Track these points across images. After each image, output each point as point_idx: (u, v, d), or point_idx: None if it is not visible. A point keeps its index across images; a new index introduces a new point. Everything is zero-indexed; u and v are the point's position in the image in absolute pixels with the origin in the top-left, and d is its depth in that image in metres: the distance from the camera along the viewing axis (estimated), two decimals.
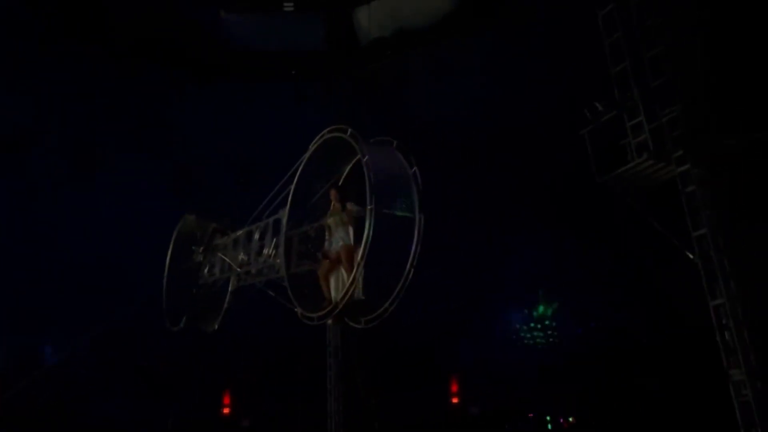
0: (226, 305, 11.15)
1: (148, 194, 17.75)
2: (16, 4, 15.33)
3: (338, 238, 8.69)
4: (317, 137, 9.30)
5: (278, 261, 9.46)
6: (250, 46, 17.15)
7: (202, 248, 11.64)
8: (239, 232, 10.84)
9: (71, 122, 17.12)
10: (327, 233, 8.93)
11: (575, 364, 19.01)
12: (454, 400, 21.51)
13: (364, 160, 8.09)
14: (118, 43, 16.60)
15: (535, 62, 15.68)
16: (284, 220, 9.41)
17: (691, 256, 7.17)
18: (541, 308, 21.79)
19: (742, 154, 7.05)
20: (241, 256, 10.56)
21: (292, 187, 9.41)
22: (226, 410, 21.06)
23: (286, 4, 15.32)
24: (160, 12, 16.42)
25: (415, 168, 8.42)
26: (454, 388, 21.38)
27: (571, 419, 22.02)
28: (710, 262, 6.91)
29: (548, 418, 22.29)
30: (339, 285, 8.60)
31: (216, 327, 11.36)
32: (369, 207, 7.78)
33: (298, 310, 9.03)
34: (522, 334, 22.38)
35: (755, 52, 7.18)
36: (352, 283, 7.95)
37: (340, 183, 9.45)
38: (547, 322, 21.97)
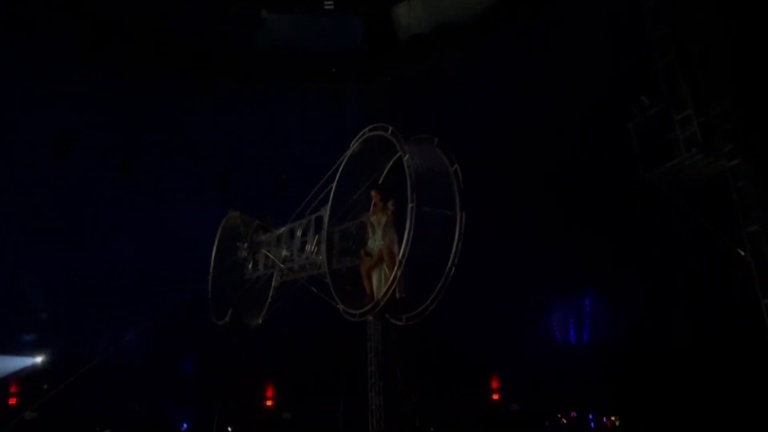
0: (269, 300, 11.36)
1: (190, 197, 18.15)
2: (53, 12, 15.80)
3: (380, 235, 8.76)
4: (358, 135, 9.39)
5: (320, 257, 9.60)
6: (289, 46, 17.30)
7: (246, 244, 11.86)
8: (282, 229, 11.01)
9: (113, 127, 17.58)
10: (369, 230, 9.01)
11: (618, 362, 18.66)
12: (495, 397, 21.41)
13: (405, 158, 8.13)
14: (157, 46, 16.94)
15: (577, 56, 15.39)
16: (326, 218, 9.53)
17: (742, 254, 6.98)
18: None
19: None
20: (284, 253, 10.74)
21: (334, 184, 9.51)
22: (268, 402, 21.46)
23: (326, 2, 15.39)
24: (201, 14, 16.71)
25: (456, 166, 8.41)
26: (495, 384, 21.29)
27: (614, 419, 21.65)
28: (762, 258, 6.72)
29: (591, 417, 21.97)
30: (381, 282, 8.67)
31: (260, 321, 11.59)
32: (410, 205, 7.82)
33: (340, 306, 9.14)
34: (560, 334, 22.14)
35: None
36: (393, 281, 8.00)
37: (380, 181, 9.51)
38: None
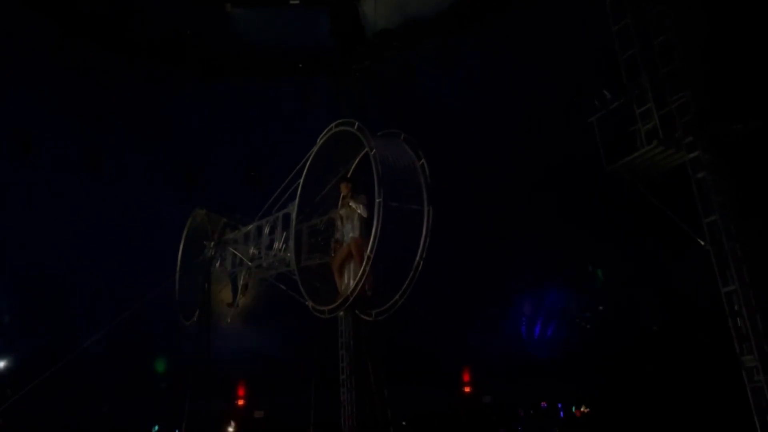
0: (237, 299, 11.25)
1: (157, 192, 17.85)
2: (17, 4, 15.35)
3: (349, 229, 8.72)
4: (325, 131, 9.34)
5: (288, 255, 9.53)
6: (256, 41, 17.13)
7: (213, 243, 11.70)
8: (250, 227, 10.91)
9: (78, 121, 17.18)
10: (339, 223, 8.96)
11: (586, 353, 19.00)
12: (467, 390, 21.60)
13: (372, 153, 8.10)
14: (123, 41, 16.59)
15: (544, 51, 15.56)
16: (293, 214, 9.47)
17: (702, 243, 7.14)
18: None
19: (752, 140, 6.99)
20: (252, 250, 10.64)
21: (301, 180, 9.45)
22: (240, 402, 21.29)
23: None
24: (166, 8, 16.42)
25: (423, 160, 8.42)
26: (467, 377, 21.48)
27: (583, 408, 22.04)
28: (722, 248, 6.88)
29: (560, 406, 22.33)
30: (352, 277, 8.64)
31: (229, 320, 11.47)
32: (377, 200, 7.80)
33: (309, 303, 9.09)
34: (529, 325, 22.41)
35: (764, 37, 7.10)
36: (361, 276, 7.98)
37: (348, 176, 9.47)
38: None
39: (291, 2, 15.33)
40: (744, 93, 7.13)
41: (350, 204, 8.67)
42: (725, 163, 7.10)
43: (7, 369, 18.89)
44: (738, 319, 6.69)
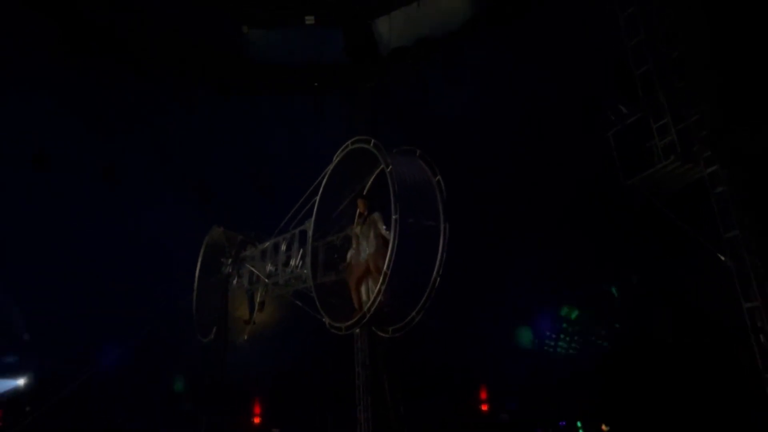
0: (254, 316, 11.29)
1: (174, 208, 17.98)
2: (30, 23, 15.65)
3: (365, 246, 8.74)
4: (341, 148, 9.40)
5: (305, 271, 9.56)
6: (272, 60, 17.36)
7: (230, 260, 11.79)
8: (266, 244, 10.97)
9: (93, 139, 17.40)
10: (354, 242, 8.98)
11: (603, 369, 18.72)
12: (484, 408, 21.35)
13: (388, 170, 8.14)
14: (141, 58, 16.87)
15: (557, 64, 15.57)
16: (310, 231, 9.51)
17: (722, 259, 7.05)
18: (565, 310, 21.40)
19: None
20: (269, 267, 10.70)
21: (318, 198, 9.51)
22: (256, 419, 21.23)
23: (307, 17, 15.48)
24: (183, 27, 16.70)
25: (438, 176, 8.44)
26: (484, 395, 21.24)
27: (603, 426, 21.67)
28: (743, 263, 6.78)
29: (579, 424, 21.96)
30: (368, 294, 8.64)
31: (246, 337, 11.50)
32: (394, 217, 7.82)
33: (326, 319, 9.09)
34: (546, 343, 22.14)
35: None
36: (378, 293, 7.98)
37: (364, 193, 9.51)
38: (567, 326, 21.68)
39: (306, 22, 15.53)
40: (759, 105, 7.07)
41: (374, 220, 8.65)
42: (744, 177, 7.03)
43: (27, 386, 19.03)
44: (761, 335, 6.58)
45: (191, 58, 17.11)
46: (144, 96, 17.48)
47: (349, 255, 9.08)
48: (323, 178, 9.53)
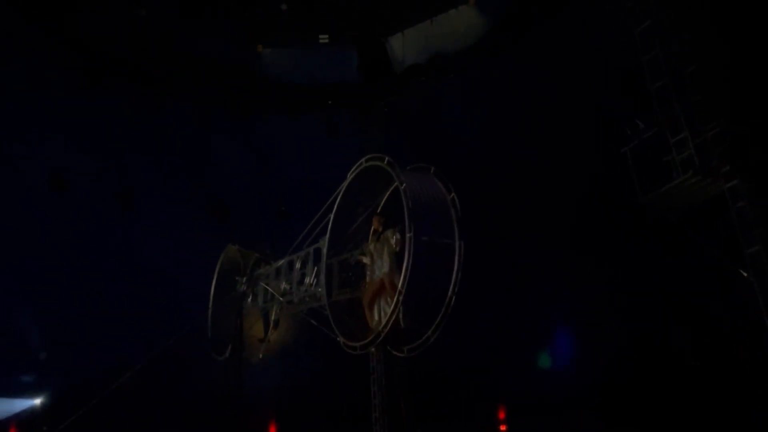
0: (269, 334, 11.25)
1: (189, 228, 18.07)
2: (45, 47, 15.93)
3: (380, 264, 8.69)
4: (355, 166, 9.40)
5: (320, 290, 9.52)
6: (286, 78, 17.52)
7: (245, 278, 11.79)
8: (281, 262, 10.96)
9: (111, 159, 17.60)
10: (369, 260, 8.93)
11: (624, 390, 18.33)
12: (502, 428, 21.00)
13: (402, 187, 8.12)
14: (154, 80, 17.12)
15: (571, 81, 15.52)
16: (324, 249, 9.49)
17: (744, 275, 6.91)
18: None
19: None
20: (284, 285, 10.67)
21: (332, 215, 9.49)
22: None
23: (321, 36, 15.65)
24: (198, 49, 16.94)
25: (453, 194, 8.39)
26: (502, 415, 20.91)
27: None
28: (765, 279, 6.64)
29: None
30: (383, 313, 8.58)
31: (261, 356, 11.45)
32: (408, 235, 7.78)
33: (341, 338, 9.03)
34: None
35: None
36: (393, 311, 7.91)
37: (378, 211, 9.49)
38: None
39: (320, 41, 15.70)
40: None
41: (388, 238, 8.61)
42: (765, 192, 6.91)
43: (43, 406, 19.10)
44: None
45: (206, 79, 17.33)
46: (157, 117, 17.69)
47: (367, 273, 9.01)
48: (337, 195, 9.53)
